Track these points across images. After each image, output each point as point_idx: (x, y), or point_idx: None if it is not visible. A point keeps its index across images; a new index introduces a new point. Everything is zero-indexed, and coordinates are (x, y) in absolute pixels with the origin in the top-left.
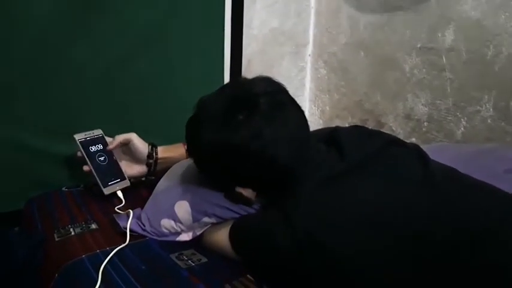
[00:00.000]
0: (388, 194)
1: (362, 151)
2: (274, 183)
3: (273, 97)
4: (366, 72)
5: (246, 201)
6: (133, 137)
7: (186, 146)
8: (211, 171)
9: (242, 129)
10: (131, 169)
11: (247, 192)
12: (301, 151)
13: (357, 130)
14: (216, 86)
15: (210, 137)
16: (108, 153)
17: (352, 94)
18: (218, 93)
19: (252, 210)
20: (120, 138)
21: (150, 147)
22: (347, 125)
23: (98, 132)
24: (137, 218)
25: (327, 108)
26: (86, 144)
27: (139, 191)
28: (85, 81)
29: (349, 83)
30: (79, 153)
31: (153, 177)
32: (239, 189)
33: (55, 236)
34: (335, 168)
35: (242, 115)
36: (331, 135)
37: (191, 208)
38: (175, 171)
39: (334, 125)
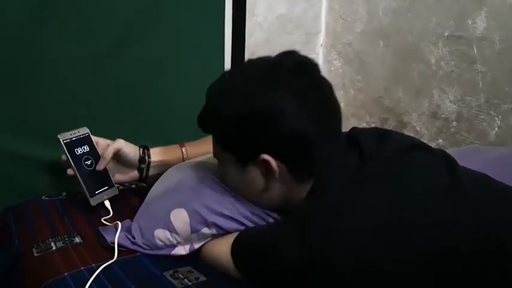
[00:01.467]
0: (408, 205)
1: (380, 156)
2: (297, 160)
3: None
4: (386, 65)
5: (267, 173)
6: (122, 145)
7: (182, 148)
8: (241, 134)
9: (285, 89)
10: (120, 174)
11: (273, 163)
12: (332, 141)
13: (375, 132)
14: (216, 75)
15: (251, 94)
16: (95, 156)
17: (370, 90)
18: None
19: (260, 221)
20: (109, 153)
21: (141, 150)
22: (364, 126)
23: (84, 131)
24: (126, 230)
25: (342, 105)
26: (72, 145)
27: (129, 200)
28: (68, 78)
29: (367, 77)
30: (64, 157)
31: (144, 184)
32: (266, 157)
33: (34, 250)
34: (356, 173)
35: (289, 77)
36: (349, 137)
37: (189, 217)
38: (171, 175)
39: (349, 126)
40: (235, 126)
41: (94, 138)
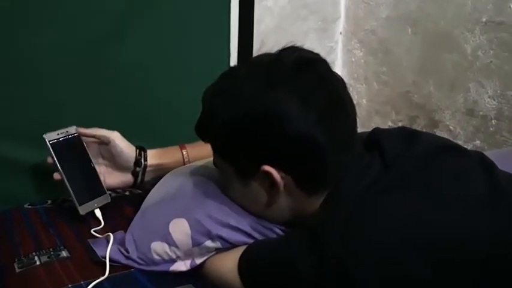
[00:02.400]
0: (440, 214)
1: (408, 160)
2: (302, 166)
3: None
4: (415, 55)
5: (271, 186)
6: (116, 137)
7: (183, 150)
8: (240, 140)
9: (290, 90)
10: (112, 178)
11: (276, 175)
12: (345, 147)
13: (401, 133)
14: (219, 74)
15: (252, 94)
16: (86, 159)
17: (396, 83)
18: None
19: (270, 234)
20: (98, 131)
21: (137, 151)
22: (389, 125)
23: (73, 130)
24: (119, 243)
25: (364, 101)
26: (59, 146)
27: (122, 208)
28: (52, 72)
29: (393, 69)
30: (50, 159)
31: (139, 191)
32: (267, 168)
33: (15, 266)
34: (378, 181)
35: (293, 74)
36: (370, 139)
37: (191, 228)
38: (170, 180)
39: (372, 125)
40: (231, 132)
41: (88, 131)
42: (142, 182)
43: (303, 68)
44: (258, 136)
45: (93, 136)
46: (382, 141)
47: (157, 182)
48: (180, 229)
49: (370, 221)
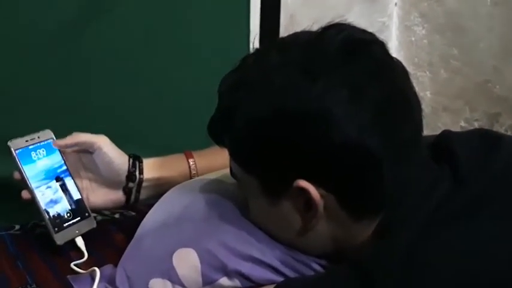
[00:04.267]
0: None
1: (488, 173)
2: (349, 185)
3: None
4: (496, 33)
5: (307, 208)
6: (103, 143)
7: (190, 159)
8: (267, 146)
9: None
10: (98, 196)
11: (314, 192)
12: (406, 157)
13: (478, 137)
14: (236, 59)
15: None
16: (63, 171)
17: (471, 70)
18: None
19: (304, 269)
20: (80, 137)
21: (130, 161)
22: (462, 126)
23: (46, 135)
24: (108, 281)
25: (428, 94)
26: (28, 156)
27: (111, 235)
28: (23, 61)
29: (467, 52)
30: (16, 174)
31: (133, 213)
32: (303, 184)
33: None
34: (446, 203)
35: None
36: (438, 145)
37: (201, 261)
38: (174, 199)
39: (439, 126)
40: (257, 135)
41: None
42: (137, 201)
43: (352, 52)
44: (291, 141)
45: (75, 145)
46: (453, 148)
47: (156, 201)
48: (186, 262)
49: (432, 273)
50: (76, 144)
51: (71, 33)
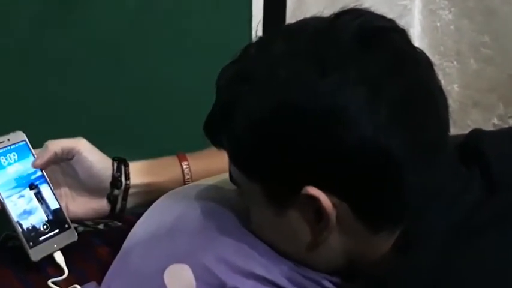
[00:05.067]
0: None
1: None
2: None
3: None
4: None
5: (317, 218)
6: (83, 147)
7: (183, 162)
8: (273, 148)
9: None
10: (78, 205)
11: (325, 201)
12: (431, 161)
13: None
14: (236, 48)
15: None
16: (38, 178)
17: (505, 60)
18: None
19: (313, 287)
20: (56, 146)
21: (115, 165)
22: (494, 124)
23: (18, 137)
24: None
25: (455, 88)
26: None
27: (93, 249)
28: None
29: (500, 40)
30: None
31: (119, 223)
32: (312, 191)
33: None
34: (477, 212)
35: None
36: (467, 146)
37: (196, 278)
38: (165, 208)
39: (468, 124)
40: (261, 135)
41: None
42: (124, 210)
43: (369, 42)
44: (299, 142)
45: (55, 154)
46: (483, 150)
47: (145, 210)
48: (180, 280)
49: (471, 277)
50: (55, 156)
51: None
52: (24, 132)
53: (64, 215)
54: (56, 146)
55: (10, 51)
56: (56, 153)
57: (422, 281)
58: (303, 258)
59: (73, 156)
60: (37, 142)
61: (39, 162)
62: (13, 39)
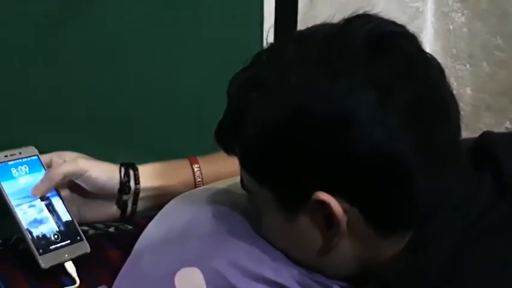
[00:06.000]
0: None
1: None
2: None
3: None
4: None
5: (328, 223)
6: (82, 166)
7: (194, 165)
8: (283, 154)
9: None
10: (89, 210)
11: (336, 206)
12: (442, 165)
13: None
14: (246, 52)
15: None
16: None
17: None
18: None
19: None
20: (58, 175)
21: (123, 170)
22: (507, 127)
23: (30, 151)
24: None
25: (468, 91)
26: (6, 172)
27: (104, 252)
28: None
29: None
30: None
31: (130, 227)
32: (323, 196)
33: None
34: (489, 213)
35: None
36: (479, 149)
37: (207, 282)
38: (176, 211)
39: (480, 127)
40: (272, 142)
41: (45, 158)
42: (134, 214)
43: (379, 47)
44: (310, 148)
45: (59, 181)
46: (496, 152)
47: (156, 213)
48: (190, 283)
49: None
50: (57, 185)
51: (60, 24)
52: (30, 134)
53: (76, 227)
54: (57, 175)
55: (14, 52)
56: (57, 183)
57: (432, 282)
58: (314, 264)
59: (77, 178)
60: (42, 145)
61: (37, 192)
62: (17, 40)
